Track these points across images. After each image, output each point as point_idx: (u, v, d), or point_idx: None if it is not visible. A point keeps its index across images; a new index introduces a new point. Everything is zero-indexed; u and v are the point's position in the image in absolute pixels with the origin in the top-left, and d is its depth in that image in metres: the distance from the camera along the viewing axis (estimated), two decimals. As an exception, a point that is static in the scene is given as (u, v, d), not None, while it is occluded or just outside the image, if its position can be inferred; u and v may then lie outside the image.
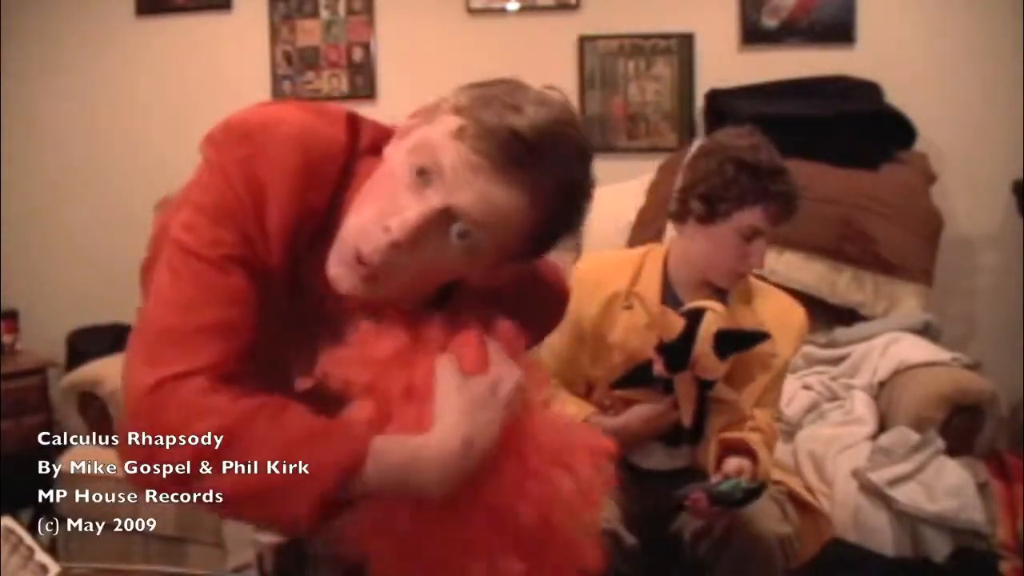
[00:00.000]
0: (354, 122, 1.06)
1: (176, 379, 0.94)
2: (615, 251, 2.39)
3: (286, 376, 1.07)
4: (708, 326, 1.81)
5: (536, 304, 1.21)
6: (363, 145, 1.05)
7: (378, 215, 0.97)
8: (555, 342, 2.05)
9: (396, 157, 1.00)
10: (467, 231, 0.96)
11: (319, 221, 1.01)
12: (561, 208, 1.00)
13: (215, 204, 1.00)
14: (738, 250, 1.83)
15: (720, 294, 1.91)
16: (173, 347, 0.95)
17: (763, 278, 2.21)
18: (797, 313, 1.96)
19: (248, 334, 0.99)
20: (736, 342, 1.84)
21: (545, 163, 0.95)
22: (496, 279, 1.06)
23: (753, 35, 3.25)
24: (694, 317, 1.82)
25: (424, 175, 0.96)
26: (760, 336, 1.86)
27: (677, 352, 1.83)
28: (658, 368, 1.86)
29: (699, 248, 1.88)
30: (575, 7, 3.35)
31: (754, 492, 1.65)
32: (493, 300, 1.10)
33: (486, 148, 0.94)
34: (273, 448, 0.92)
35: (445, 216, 0.96)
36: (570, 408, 1.97)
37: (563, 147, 0.97)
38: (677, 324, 1.83)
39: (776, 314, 1.93)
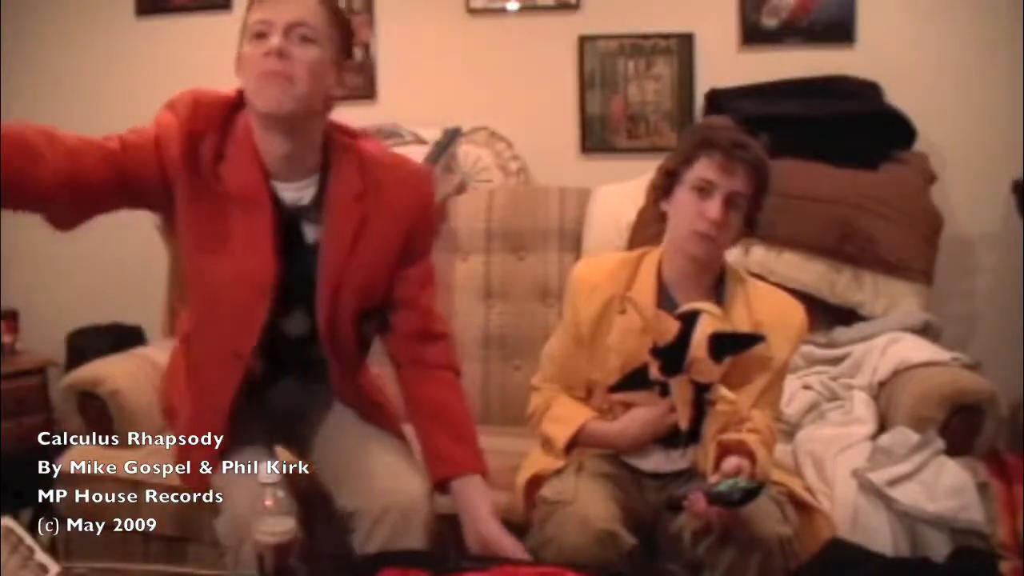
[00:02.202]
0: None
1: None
2: (613, 254, 2.38)
3: (214, 270, 1.75)
4: (703, 329, 1.81)
5: (402, 181, 1.80)
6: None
7: (258, 61, 1.63)
8: (555, 345, 2.05)
9: (244, 60, 1.68)
10: (304, 34, 1.62)
11: (216, 142, 1.71)
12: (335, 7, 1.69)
13: (141, 129, 1.70)
14: (694, 207, 1.85)
15: (716, 294, 1.91)
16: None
17: (763, 278, 2.21)
18: (796, 312, 1.96)
19: (122, 167, 1.71)
20: (731, 344, 1.84)
21: None
22: (339, 83, 1.71)
23: (753, 35, 3.25)
24: (689, 320, 1.82)
25: (262, 35, 1.64)
26: (755, 339, 1.86)
27: (672, 355, 1.83)
28: (654, 372, 1.86)
29: (670, 222, 1.92)
30: (575, 7, 3.34)
31: (752, 492, 1.65)
32: (368, 179, 1.75)
33: None
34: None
35: (288, 29, 1.62)
36: (570, 412, 1.97)
37: None
38: (672, 327, 1.83)
39: (775, 314, 1.93)
